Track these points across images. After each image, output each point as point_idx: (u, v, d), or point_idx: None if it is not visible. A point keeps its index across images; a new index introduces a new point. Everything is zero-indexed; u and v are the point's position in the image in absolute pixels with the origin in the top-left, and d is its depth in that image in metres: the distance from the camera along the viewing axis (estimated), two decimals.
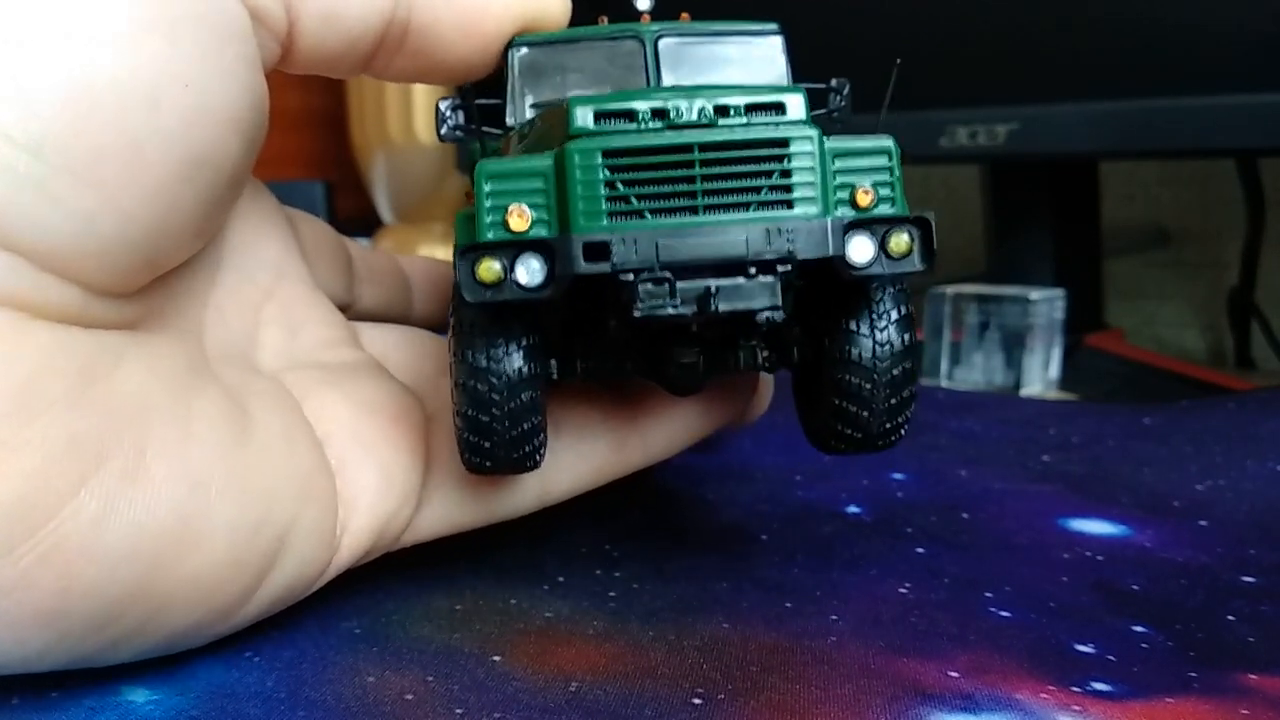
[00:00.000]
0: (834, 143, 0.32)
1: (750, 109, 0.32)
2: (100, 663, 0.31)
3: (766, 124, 0.32)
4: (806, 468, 0.55)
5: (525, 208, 0.32)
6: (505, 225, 0.32)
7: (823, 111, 0.40)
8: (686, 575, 0.41)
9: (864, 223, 0.32)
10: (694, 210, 0.31)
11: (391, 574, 0.40)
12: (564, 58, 0.39)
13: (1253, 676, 0.33)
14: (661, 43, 0.38)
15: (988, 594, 0.39)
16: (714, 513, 0.48)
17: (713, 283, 0.31)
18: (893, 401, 0.35)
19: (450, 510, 0.39)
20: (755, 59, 0.39)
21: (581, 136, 0.32)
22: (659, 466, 0.55)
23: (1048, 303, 0.79)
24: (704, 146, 0.31)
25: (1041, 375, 0.80)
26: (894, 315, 0.35)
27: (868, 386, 0.35)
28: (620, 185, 0.31)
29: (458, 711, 0.31)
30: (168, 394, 0.31)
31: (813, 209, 0.32)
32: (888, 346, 0.35)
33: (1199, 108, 0.73)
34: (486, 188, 0.32)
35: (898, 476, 0.53)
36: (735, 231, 0.31)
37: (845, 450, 0.37)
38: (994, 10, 0.79)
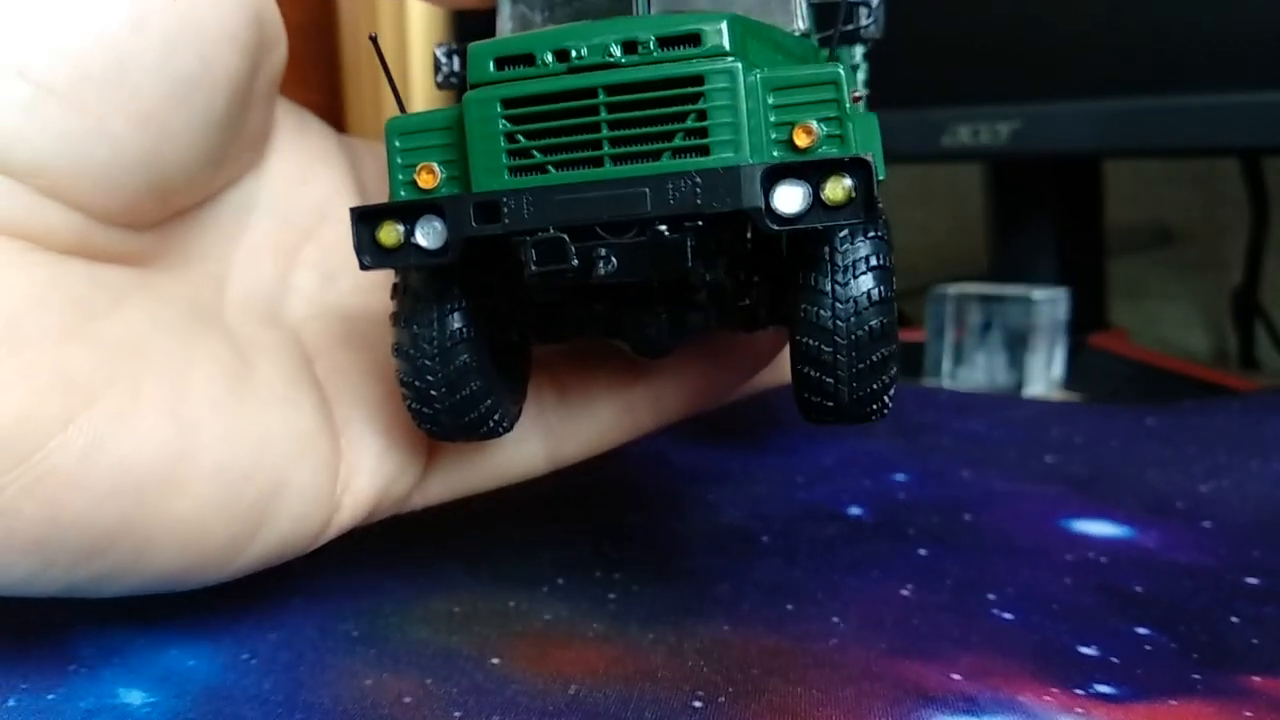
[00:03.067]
0: (772, 73, 0.28)
1: (663, 42, 0.28)
2: (92, 594, 0.31)
3: (678, 59, 0.28)
4: (808, 468, 0.54)
5: (435, 165, 0.30)
6: (415, 184, 0.30)
7: (849, 29, 0.36)
8: (687, 577, 0.40)
9: (791, 168, 0.27)
10: (598, 162, 0.28)
11: (390, 576, 0.40)
12: None
13: (1257, 678, 0.33)
14: None
15: (990, 596, 0.39)
16: (714, 514, 0.48)
17: (602, 245, 0.28)
18: (860, 366, 0.30)
19: (460, 473, 0.38)
20: None
21: (482, 85, 0.29)
22: (659, 467, 0.54)
23: (1051, 302, 0.79)
24: (607, 89, 0.28)
25: (1044, 375, 0.80)
26: (861, 267, 0.30)
27: (828, 349, 0.30)
28: (522, 138, 0.29)
29: (456, 714, 0.30)
30: (167, 338, 0.31)
31: (730, 154, 0.28)
32: (850, 304, 0.30)
33: (1203, 106, 0.73)
34: (396, 144, 0.30)
35: (900, 477, 0.53)
36: (639, 185, 0.28)
37: (824, 421, 0.32)
38: (996, 8, 0.79)
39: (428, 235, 0.29)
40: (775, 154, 0.28)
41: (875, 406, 0.31)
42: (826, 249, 0.30)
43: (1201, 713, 0.31)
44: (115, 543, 0.29)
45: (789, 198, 0.27)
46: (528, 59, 0.29)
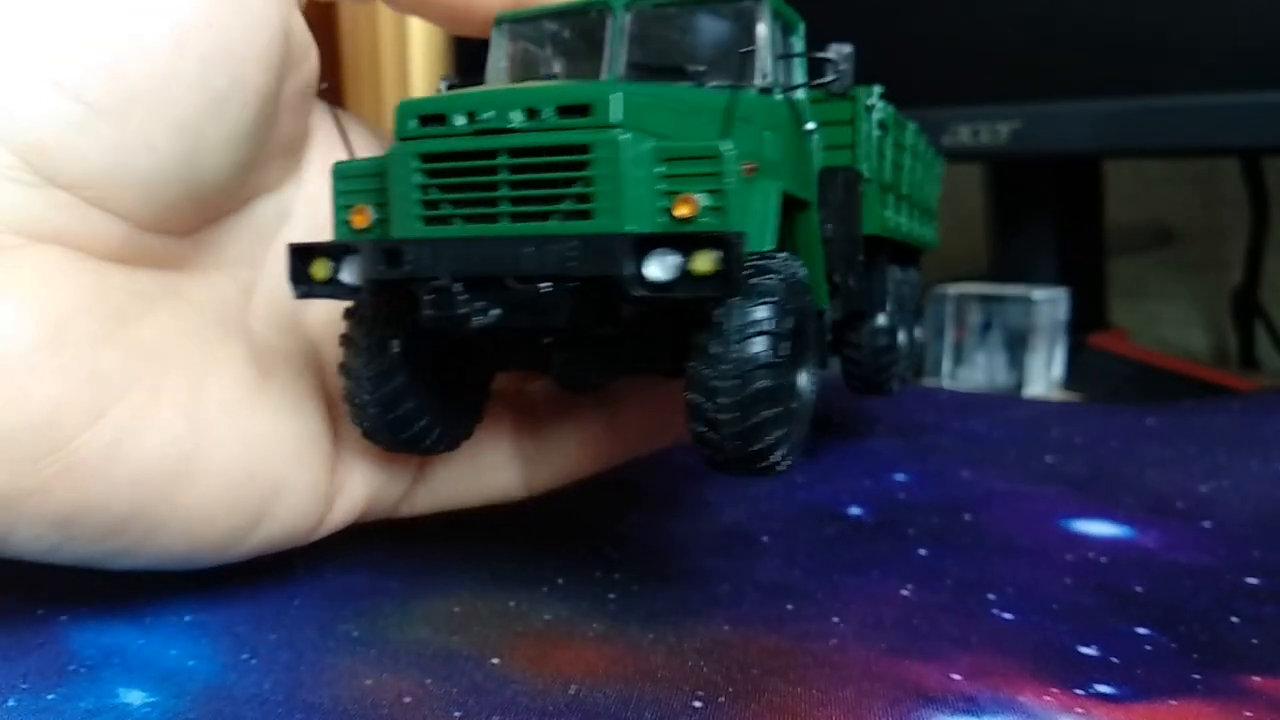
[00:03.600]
0: (663, 144, 0.30)
1: (561, 111, 0.30)
2: (108, 567, 0.35)
3: (569, 128, 0.30)
4: (808, 468, 0.54)
5: (369, 208, 0.32)
6: (349, 224, 0.33)
7: (824, 81, 0.38)
8: (687, 577, 0.40)
9: (662, 239, 0.29)
10: (494, 219, 0.30)
11: (390, 576, 0.40)
12: (541, 34, 0.39)
13: (1256, 678, 0.33)
14: (627, 15, 0.36)
15: (990, 596, 0.39)
16: (715, 514, 0.48)
17: (485, 297, 0.30)
18: (745, 427, 0.31)
19: (443, 491, 0.42)
20: (733, 29, 0.37)
21: (405, 140, 0.31)
22: (659, 467, 0.54)
23: (1051, 302, 0.79)
24: (509, 151, 0.30)
25: (1044, 375, 0.80)
26: (751, 330, 0.31)
27: (712, 409, 0.31)
28: (434, 191, 0.31)
29: (456, 714, 0.30)
30: (190, 344, 0.35)
31: (610, 221, 0.29)
32: (737, 367, 0.30)
33: (1202, 106, 0.73)
34: (337, 186, 0.33)
35: (900, 478, 0.53)
36: (527, 244, 0.30)
37: (719, 470, 0.33)
38: (997, 8, 0.79)
39: (350, 273, 0.32)
40: (658, 223, 0.30)
41: (764, 464, 0.32)
42: (719, 312, 0.31)
43: (1201, 713, 0.31)
44: (129, 525, 0.33)
45: (660, 267, 0.29)
46: (441, 119, 0.31)
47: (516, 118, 0.30)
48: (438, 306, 0.30)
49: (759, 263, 0.32)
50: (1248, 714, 0.31)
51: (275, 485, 0.36)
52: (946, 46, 0.80)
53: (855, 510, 0.48)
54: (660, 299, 0.29)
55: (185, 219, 0.35)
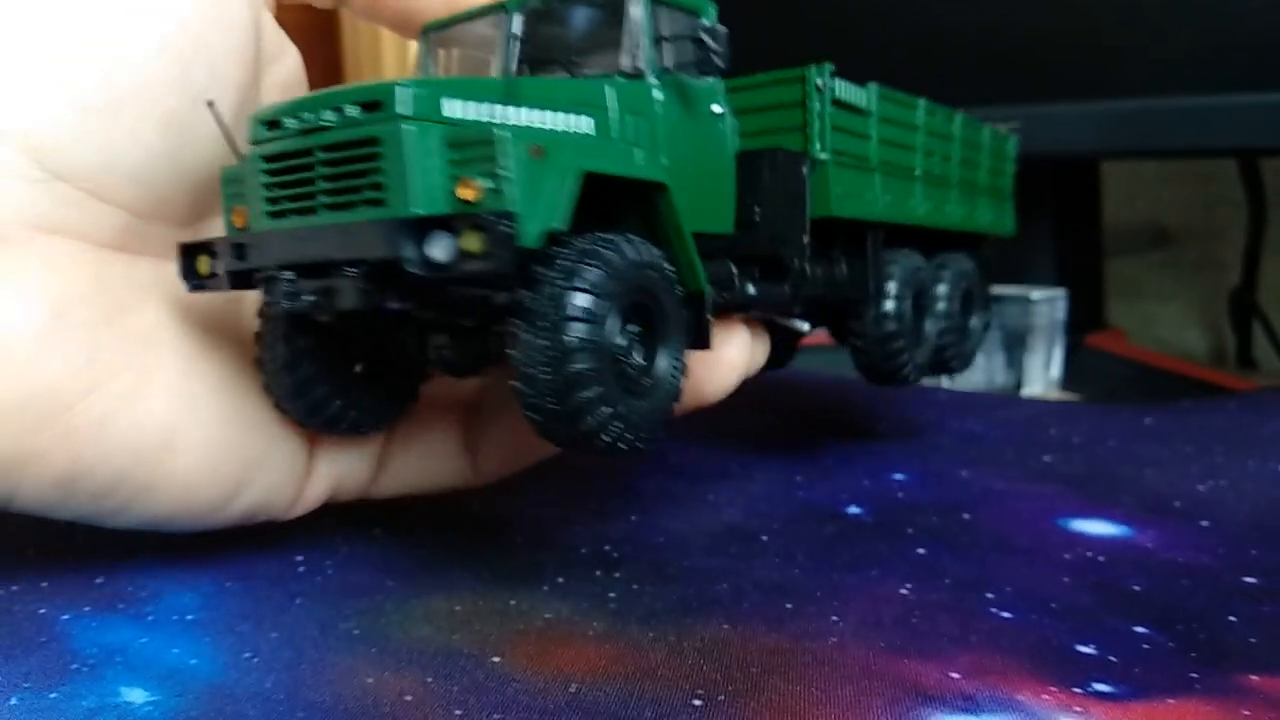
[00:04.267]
0: (451, 131, 0.31)
1: (364, 107, 0.32)
2: (103, 524, 0.38)
3: (365, 122, 0.32)
4: (807, 468, 0.55)
5: (245, 207, 0.35)
6: (232, 223, 0.36)
7: (694, 62, 0.39)
8: (686, 576, 0.41)
9: (437, 221, 0.30)
10: (314, 211, 0.33)
11: (391, 575, 0.40)
12: (459, 38, 0.42)
13: (1254, 677, 0.33)
14: (519, 15, 0.39)
15: (989, 595, 0.39)
16: (714, 513, 0.48)
17: (299, 284, 0.33)
18: (566, 408, 0.32)
19: (404, 475, 0.45)
20: (607, 18, 0.38)
21: (256, 144, 0.35)
22: (659, 467, 0.55)
23: (1049, 303, 0.79)
24: (322, 148, 0.32)
25: (1043, 375, 0.80)
26: (559, 314, 0.31)
27: (527, 390, 0.32)
28: (276, 188, 0.34)
29: (457, 713, 0.31)
30: (181, 332, 0.38)
31: (400, 207, 0.31)
32: (543, 351, 0.31)
33: (1200, 107, 0.73)
34: (223, 189, 0.36)
35: (899, 477, 0.53)
36: (331, 233, 0.32)
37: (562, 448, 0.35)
38: (996, 10, 0.79)
39: (225, 267, 0.35)
40: (444, 207, 0.31)
41: (597, 444, 0.33)
42: (530, 296, 0.32)
43: (1199, 711, 0.31)
44: (120, 488, 0.36)
45: (439, 248, 0.30)
46: (276, 124, 0.34)
47: (329, 117, 0.32)
48: (269, 293, 0.33)
49: (587, 246, 0.32)
50: (1245, 713, 0.31)
51: (254, 461, 0.39)
52: (946, 47, 0.80)
53: (854, 509, 0.48)
54: (440, 279, 0.30)
55: (179, 208, 0.38)
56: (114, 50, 0.35)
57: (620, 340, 0.33)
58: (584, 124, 0.36)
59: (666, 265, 0.36)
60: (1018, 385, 0.79)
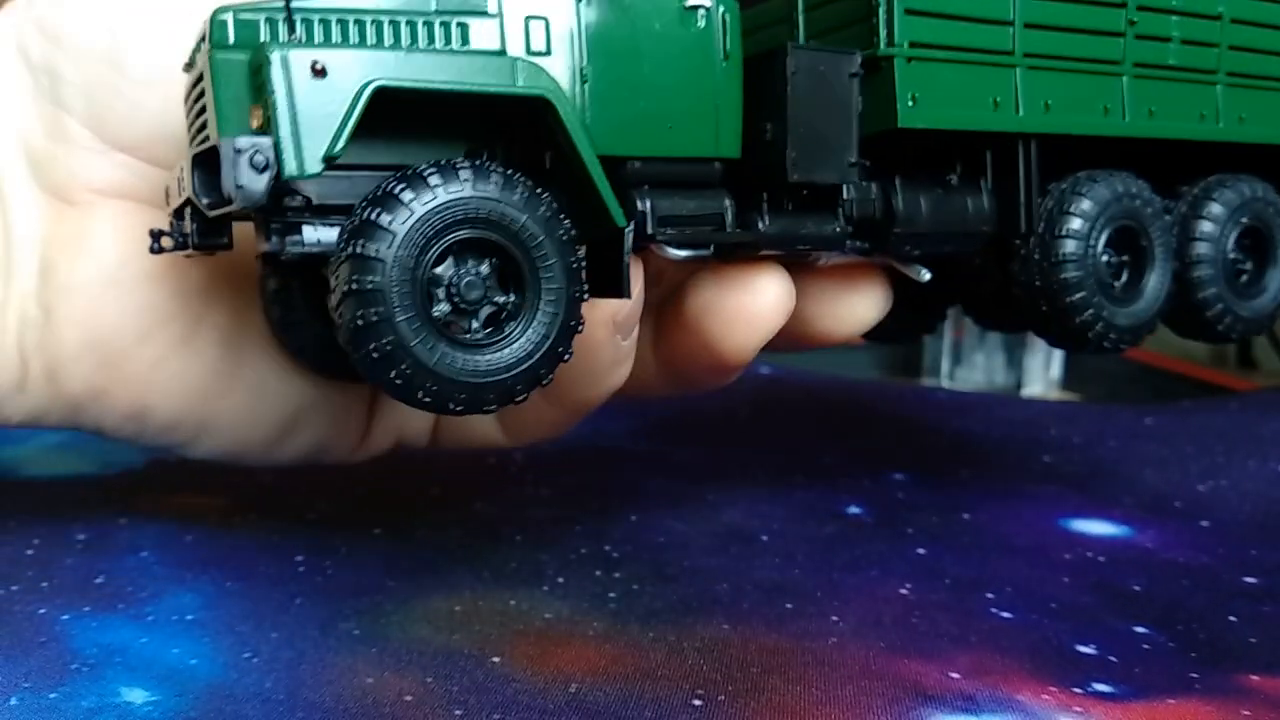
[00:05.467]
0: (256, 54, 0.30)
1: (202, 39, 0.32)
2: (185, 454, 0.42)
3: (198, 57, 0.32)
4: (807, 468, 0.55)
5: None
6: None
7: None
8: (686, 576, 0.41)
9: (201, 156, 0.30)
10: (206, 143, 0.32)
11: (391, 574, 0.40)
12: None
13: (1254, 677, 0.33)
14: None
15: (989, 595, 0.39)
16: (714, 513, 0.48)
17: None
18: (360, 363, 0.30)
19: (458, 432, 0.44)
20: None
21: None
22: (659, 467, 0.55)
23: None
24: (189, 88, 0.33)
25: (1043, 375, 0.80)
26: (339, 291, 0.30)
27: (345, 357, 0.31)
28: (194, 130, 0.33)
29: (457, 713, 0.31)
30: (231, 285, 0.40)
31: (219, 135, 0.30)
32: (335, 300, 0.30)
33: None
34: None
35: (899, 477, 0.53)
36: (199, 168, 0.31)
37: None
38: None
39: None
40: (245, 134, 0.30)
41: (412, 400, 0.31)
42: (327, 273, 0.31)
43: (1199, 711, 0.31)
44: (181, 424, 0.40)
45: (203, 184, 0.31)
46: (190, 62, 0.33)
47: (191, 52, 0.33)
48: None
49: (404, 176, 0.30)
50: (1245, 713, 0.31)
51: (303, 405, 0.41)
52: None
53: (854, 509, 0.48)
54: (219, 214, 0.31)
55: None
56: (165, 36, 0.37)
57: None
58: (446, 34, 0.32)
59: None
60: (1018, 385, 0.79)
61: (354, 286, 0.29)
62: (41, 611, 0.37)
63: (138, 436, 0.41)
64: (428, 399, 0.30)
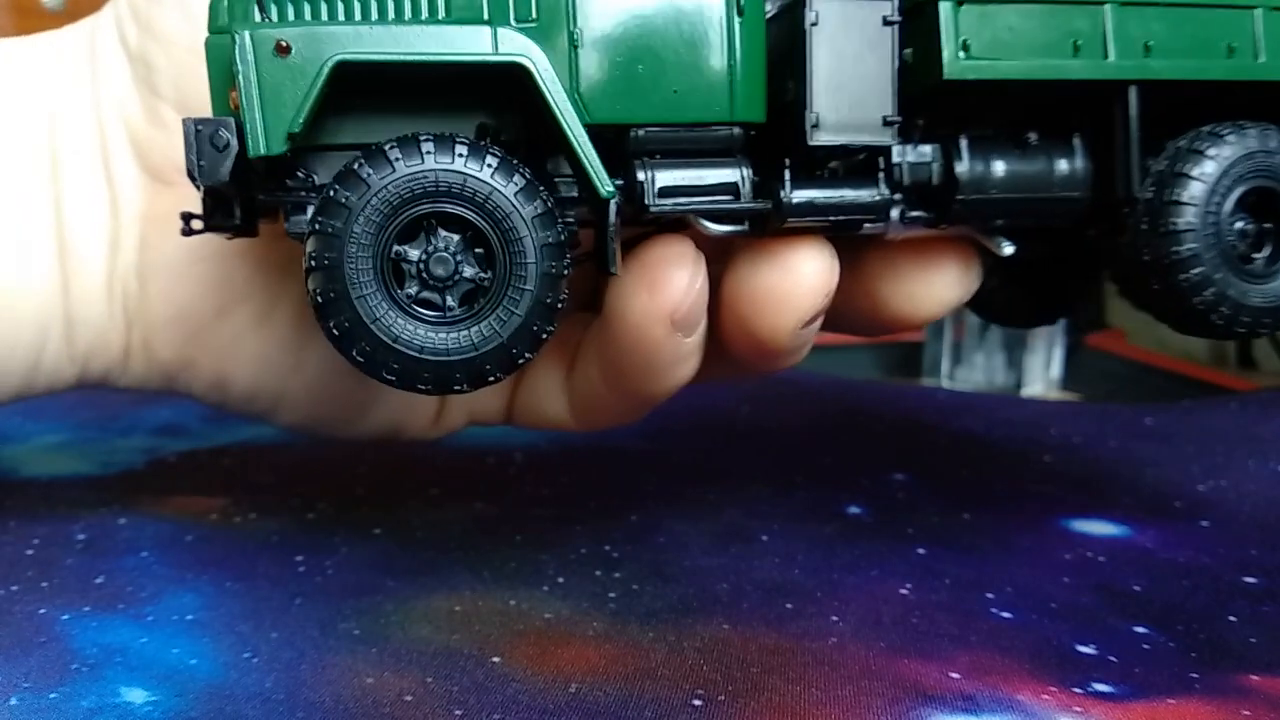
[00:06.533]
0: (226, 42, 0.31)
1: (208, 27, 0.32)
2: (269, 424, 0.44)
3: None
4: (807, 468, 0.55)
5: None
6: None
7: None
8: (686, 576, 0.41)
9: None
10: None
11: (391, 574, 0.40)
12: None
13: (1255, 677, 0.33)
14: None
15: (989, 595, 0.39)
16: (714, 513, 0.48)
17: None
18: (329, 337, 0.31)
19: (528, 413, 0.43)
20: None
21: None
22: (659, 467, 0.55)
23: None
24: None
25: (1043, 375, 0.80)
26: (305, 244, 0.31)
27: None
28: None
29: (457, 713, 0.31)
30: None
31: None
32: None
33: None
34: None
35: (899, 477, 0.53)
36: None
37: None
38: None
39: None
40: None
41: (379, 378, 0.31)
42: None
43: (1199, 711, 0.31)
44: (259, 396, 0.42)
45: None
46: None
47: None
48: None
49: (367, 152, 0.30)
50: (1245, 713, 0.31)
51: (375, 384, 0.39)
52: None
53: (854, 509, 0.48)
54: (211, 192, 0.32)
55: None
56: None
57: None
58: (431, 6, 0.32)
59: None
60: (1018, 385, 0.79)
61: (313, 263, 0.30)
62: (41, 611, 0.37)
63: (222, 405, 0.43)
64: (391, 377, 0.30)
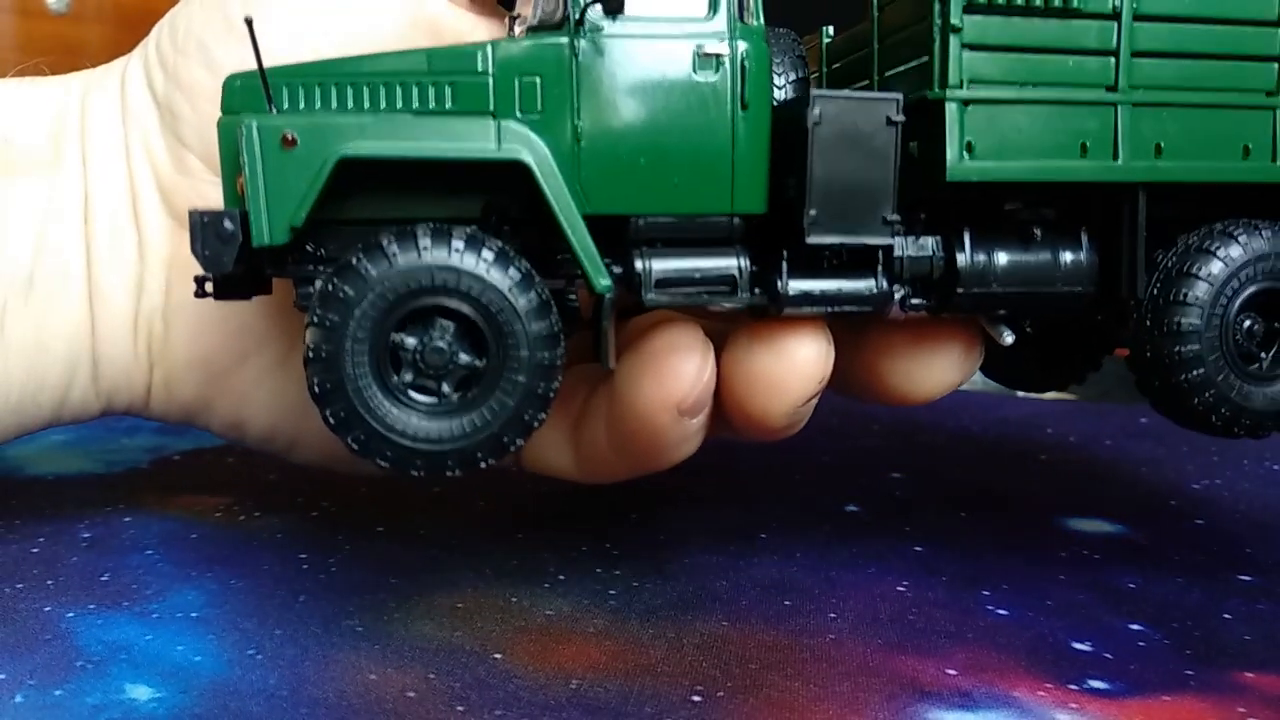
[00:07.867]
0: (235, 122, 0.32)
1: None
2: (286, 459, 0.45)
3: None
4: (805, 466, 0.55)
5: None
6: None
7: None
8: (686, 573, 0.41)
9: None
10: None
11: (393, 572, 0.40)
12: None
13: (1249, 674, 0.34)
14: None
15: (985, 592, 0.39)
16: (713, 511, 0.48)
17: None
18: (328, 423, 0.32)
19: (543, 461, 0.42)
20: None
21: None
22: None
23: None
24: None
25: None
26: (308, 328, 0.32)
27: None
28: None
29: (459, 709, 0.31)
30: None
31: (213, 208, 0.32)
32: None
33: None
34: None
35: (896, 475, 0.54)
36: None
37: None
38: None
39: None
40: (235, 204, 0.32)
41: (377, 462, 0.32)
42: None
43: (1195, 708, 0.32)
44: (276, 437, 0.43)
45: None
46: None
47: None
48: None
49: (366, 245, 0.31)
50: (1240, 710, 0.32)
51: None
52: None
53: (852, 507, 0.49)
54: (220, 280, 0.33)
55: None
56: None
57: None
58: (438, 95, 0.32)
59: None
60: None
61: (312, 354, 0.30)
62: (46, 609, 0.37)
63: (240, 442, 0.44)
64: (385, 463, 0.31)
